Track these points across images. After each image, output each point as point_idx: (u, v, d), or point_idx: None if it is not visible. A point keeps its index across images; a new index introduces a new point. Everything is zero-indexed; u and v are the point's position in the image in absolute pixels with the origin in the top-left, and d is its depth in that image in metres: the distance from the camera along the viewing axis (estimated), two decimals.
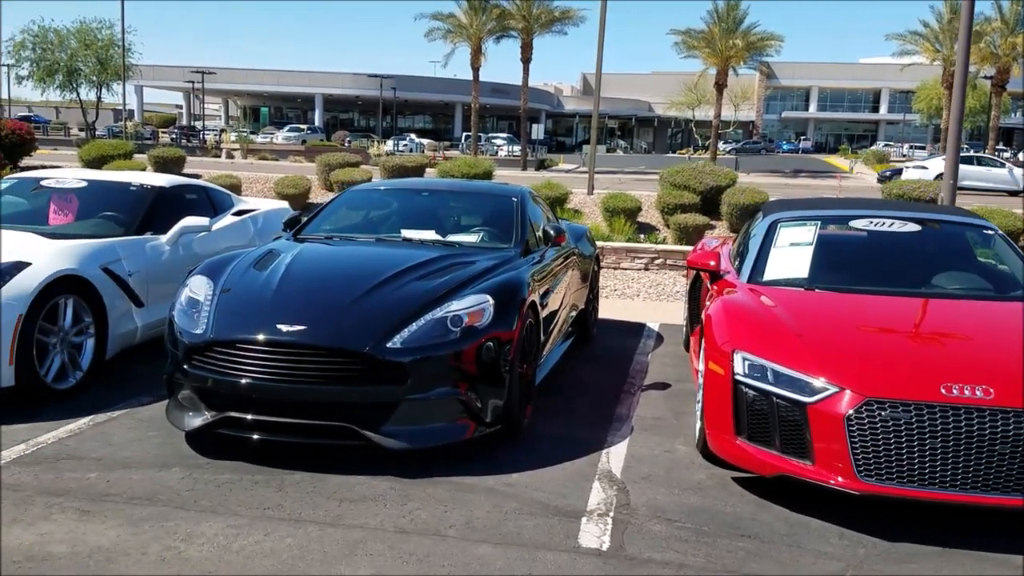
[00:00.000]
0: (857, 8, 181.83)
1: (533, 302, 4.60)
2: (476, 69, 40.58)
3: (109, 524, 3.28)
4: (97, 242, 5.30)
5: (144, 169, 20.29)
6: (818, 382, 3.62)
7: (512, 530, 3.38)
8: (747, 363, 3.80)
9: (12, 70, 45.30)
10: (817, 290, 4.56)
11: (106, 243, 5.36)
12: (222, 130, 55.64)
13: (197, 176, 21.33)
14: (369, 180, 19.56)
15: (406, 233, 5.35)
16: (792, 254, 4.82)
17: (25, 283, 4.58)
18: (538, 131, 42.12)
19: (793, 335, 3.91)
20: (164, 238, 5.87)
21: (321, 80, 63.05)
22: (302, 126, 57.84)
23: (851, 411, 3.52)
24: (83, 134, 45.26)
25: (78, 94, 45.41)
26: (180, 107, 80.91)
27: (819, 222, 5.06)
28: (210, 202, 6.80)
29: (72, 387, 4.90)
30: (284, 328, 3.93)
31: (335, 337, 3.91)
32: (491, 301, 4.21)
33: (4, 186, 6.23)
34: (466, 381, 4.06)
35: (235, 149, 43.24)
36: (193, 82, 53.58)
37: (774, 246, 4.91)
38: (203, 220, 6.03)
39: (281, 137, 51.88)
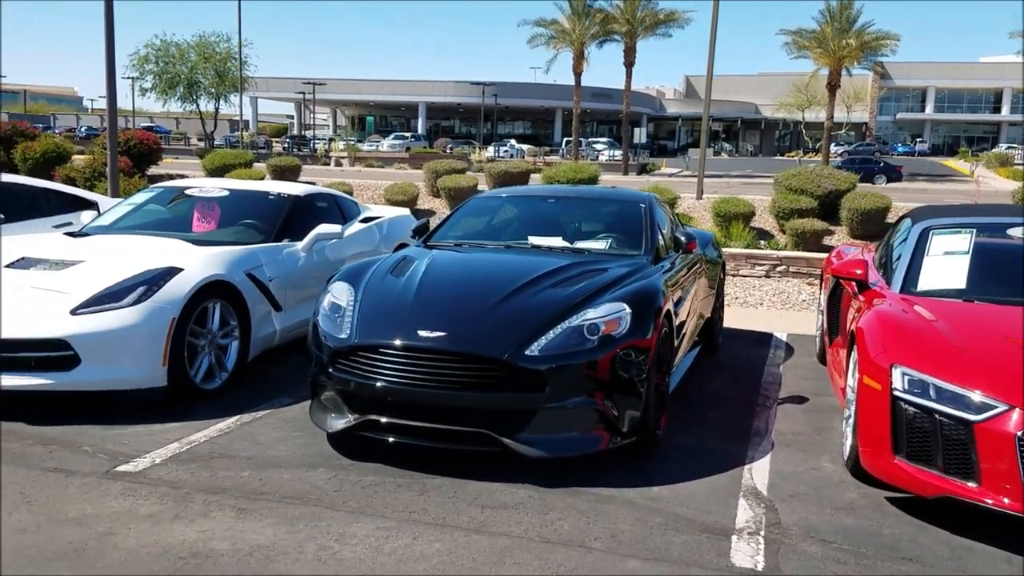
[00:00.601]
0: (977, 7, 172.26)
1: (668, 311, 4.51)
2: (578, 74, 40.50)
3: (265, 522, 3.39)
4: (241, 249, 5.52)
5: (263, 178, 21.17)
6: (986, 399, 3.40)
7: (659, 545, 3.30)
8: (907, 378, 3.60)
9: (137, 82, 48.25)
10: (976, 301, 4.30)
11: (249, 250, 5.57)
12: (331, 139, 57.51)
13: (312, 183, 22.16)
14: (475, 187, 19.81)
15: (534, 240, 5.35)
16: (947, 263, 4.56)
17: (178, 288, 4.81)
18: (640, 135, 41.68)
19: (956, 349, 3.69)
20: (300, 245, 6.07)
21: (424, 89, 64.37)
22: (406, 134, 59.20)
23: (1021, 431, 3.30)
24: (202, 144, 47.66)
25: (197, 105, 47.94)
26: (291, 117, 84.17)
27: (974, 230, 4.77)
28: (339, 210, 7.00)
29: (218, 387, 5.11)
30: (424, 334, 3.98)
31: (474, 344, 3.93)
32: (628, 309, 4.15)
33: (151, 195, 6.59)
34: (602, 390, 4.01)
35: (343, 157, 44.67)
36: (304, 93, 55.62)
37: (927, 254, 4.66)
38: (336, 227, 6.21)
39: (386, 145, 53.22)
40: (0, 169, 20.68)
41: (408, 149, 49.69)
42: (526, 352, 3.88)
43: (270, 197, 6.42)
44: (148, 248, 5.35)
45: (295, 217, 6.29)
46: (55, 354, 4.49)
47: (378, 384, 3.98)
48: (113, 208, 6.49)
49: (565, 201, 6.08)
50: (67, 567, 2.99)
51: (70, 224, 7.45)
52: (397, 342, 4.00)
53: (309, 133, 61.07)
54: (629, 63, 40.04)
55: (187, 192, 6.45)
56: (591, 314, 4.08)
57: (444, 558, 3.14)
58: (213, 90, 46.41)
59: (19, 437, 4.27)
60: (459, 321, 4.06)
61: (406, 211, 8.14)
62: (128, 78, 51.06)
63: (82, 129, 60.51)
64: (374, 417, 4.03)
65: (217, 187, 6.46)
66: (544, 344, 3.92)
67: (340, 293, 4.47)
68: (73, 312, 4.55)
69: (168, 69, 45.46)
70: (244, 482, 3.79)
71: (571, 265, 4.67)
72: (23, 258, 5.14)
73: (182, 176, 22.68)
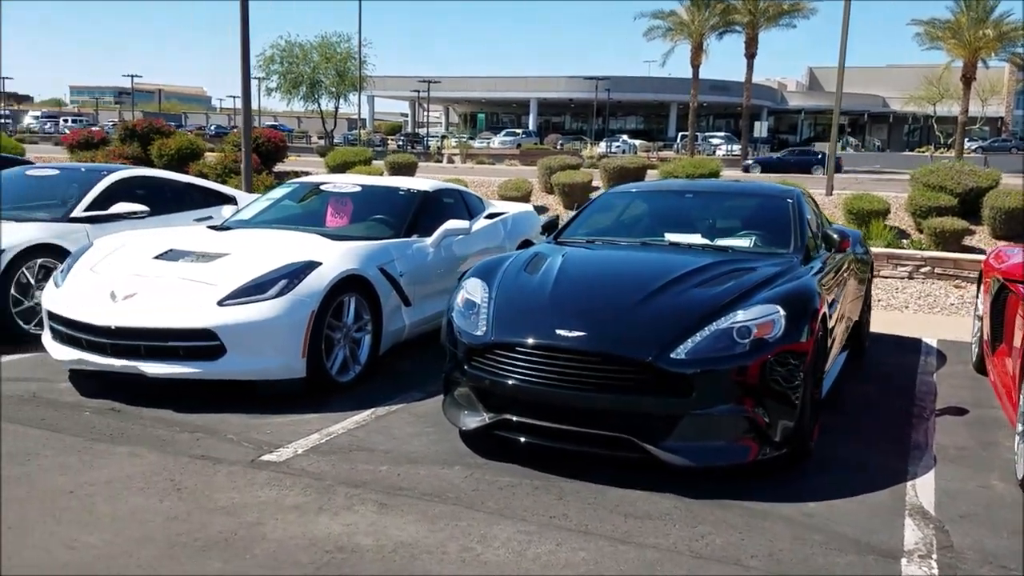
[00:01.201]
0: None
1: (824, 314, 4.22)
2: (696, 67, 39.61)
3: (407, 519, 3.35)
4: (375, 244, 5.57)
5: (381, 174, 21.67)
6: None
7: (822, 565, 3.06)
8: None
9: (263, 83, 50.34)
10: None
11: (381, 245, 5.61)
12: (443, 136, 58.45)
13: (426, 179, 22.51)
14: (589, 183, 19.58)
15: (671, 237, 5.15)
16: None
17: (317, 281, 4.87)
18: (761, 129, 40.33)
19: None
20: (429, 240, 6.07)
21: (536, 85, 64.41)
22: (517, 130, 59.46)
23: None
24: (322, 142, 49.32)
25: (319, 104, 49.64)
26: (405, 115, 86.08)
27: None
28: (465, 205, 6.98)
29: (352, 380, 5.16)
30: (563, 333, 3.85)
31: (616, 345, 3.78)
32: (781, 312, 3.90)
33: (288, 190, 6.75)
34: (753, 397, 3.78)
35: (455, 154, 45.26)
36: (419, 91, 56.67)
37: None
38: (464, 224, 6.18)
39: (497, 142, 53.60)
40: (138, 164, 22.01)
41: (519, 146, 49.85)
42: (672, 355, 3.70)
43: (400, 193, 6.46)
44: (287, 242, 5.46)
45: (424, 212, 6.30)
46: (202, 344, 4.62)
47: (514, 383, 3.88)
48: (252, 203, 6.69)
49: (703, 196, 5.83)
50: (218, 556, 3.03)
51: (211, 218, 7.74)
52: (534, 341, 3.89)
53: (422, 131, 62.27)
54: (750, 54, 38.83)
55: (322, 188, 6.57)
56: (741, 316, 3.86)
57: (590, 567, 3.01)
58: (333, 89, 47.92)
59: (167, 424, 4.41)
60: (599, 320, 3.92)
61: (529, 207, 8.07)
62: (255, 78, 53.40)
63: (211, 127, 63.72)
64: (509, 416, 3.95)
65: (350, 183, 6.55)
66: (691, 347, 3.72)
67: (474, 290, 4.40)
68: (220, 303, 4.67)
69: (292, 69, 47.19)
70: (383, 476, 3.78)
71: (716, 264, 4.45)
72: (171, 250, 5.33)
73: (306, 172, 23.46)
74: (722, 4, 37.91)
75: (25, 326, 6.00)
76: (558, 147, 51.03)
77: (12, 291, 5.91)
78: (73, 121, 68.78)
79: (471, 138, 56.87)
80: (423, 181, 6.99)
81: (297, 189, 6.75)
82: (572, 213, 5.88)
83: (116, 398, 4.77)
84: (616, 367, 3.74)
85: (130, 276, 4.96)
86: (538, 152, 47.38)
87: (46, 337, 5.14)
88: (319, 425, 4.46)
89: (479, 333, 4.07)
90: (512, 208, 7.68)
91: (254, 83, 53.28)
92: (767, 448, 3.83)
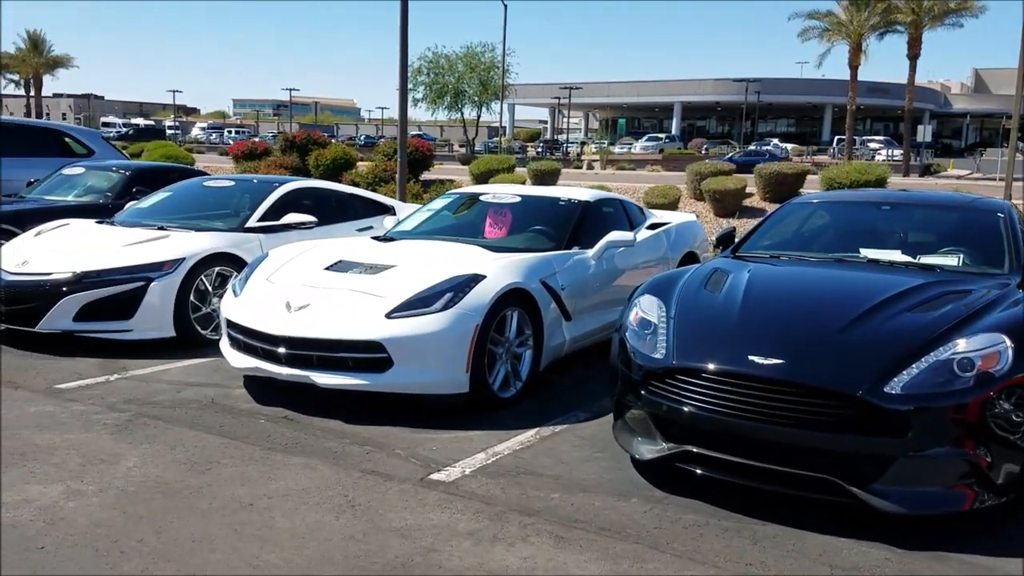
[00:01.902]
0: None
1: None
2: (854, 68, 37.53)
3: (587, 556, 3.14)
4: (537, 256, 5.42)
5: (524, 182, 21.73)
6: None
7: None
8: None
9: (409, 93, 51.90)
10: None
11: (543, 257, 5.45)
12: (582, 142, 58.29)
13: (568, 186, 22.38)
14: (743, 189, 18.83)
15: (868, 253, 4.70)
16: None
17: (481, 295, 4.76)
18: (924, 133, 37.63)
19: None
20: (590, 252, 5.86)
21: (680, 88, 63.10)
22: (660, 135, 58.41)
23: None
24: (463, 150, 50.29)
25: (462, 114, 50.70)
26: (543, 122, 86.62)
27: None
28: (626, 215, 6.73)
29: (513, 396, 5.02)
30: (757, 360, 3.53)
31: (820, 375, 3.42)
32: (1008, 342, 3.42)
33: (447, 201, 6.73)
34: (973, 438, 3.33)
35: (595, 160, 44.97)
36: (559, 98, 56.84)
37: None
38: (628, 235, 5.93)
39: (639, 147, 52.85)
40: (297, 174, 23.08)
41: (661, 151, 48.91)
42: (885, 389, 3.30)
43: (560, 203, 6.29)
44: (450, 254, 5.40)
45: (584, 223, 6.10)
46: (370, 356, 4.61)
47: (697, 412, 3.60)
48: (413, 214, 6.71)
49: (902, 208, 5.32)
50: None
51: (371, 228, 7.86)
52: (722, 367, 3.59)
53: (560, 137, 62.33)
54: (913, 55, 36.35)
55: (480, 198, 6.49)
56: (963, 346, 3.41)
57: None
58: (476, 98, 48.80)
59: (337, 436, 4.41)
60: (798, 347, 3.57)
61: (692, 216, 7.71)
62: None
63: (361, 138, 66.38)
64: (690, 448, 3.66)
65: (509, 193, 6.44)
66: (907, 381, 3.32)
67: (649, 308, 4.15)
68: (388, 316, 4.65)
69: (437, 80, 48.46)
70: (556, 506, 3.59)
71: (926, 285, 3.99)
72: (340, 261, 5.39)
73: (451, 180, 23.91)
74: (884, 3, 35.69)
75: (203, 331, 6.25)
76: (703, 152, 49.74)
77: (191, 298, 6.16)
78: (236, 132, 73.58)
79: (611, 144, 56.39)
80: (582, 191, 6.80)
81: (456, 200, 6.72)
82: (751, 224, 5.51)
83: (289, 406, 4.85)
84: (819, 400, 3.38)
85: (303, 287, 5.03)
86: (682, 157, 46.33)
87: (224, 344, 5.30)
88: (484, 444, 4.33)
89: (658, 356, 3.81)
90: (674, 218, 7.36)
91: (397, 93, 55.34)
92: (986, 495, 3.37)
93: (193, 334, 6.20)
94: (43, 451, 4.05)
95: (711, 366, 3.62)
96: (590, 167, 42.44)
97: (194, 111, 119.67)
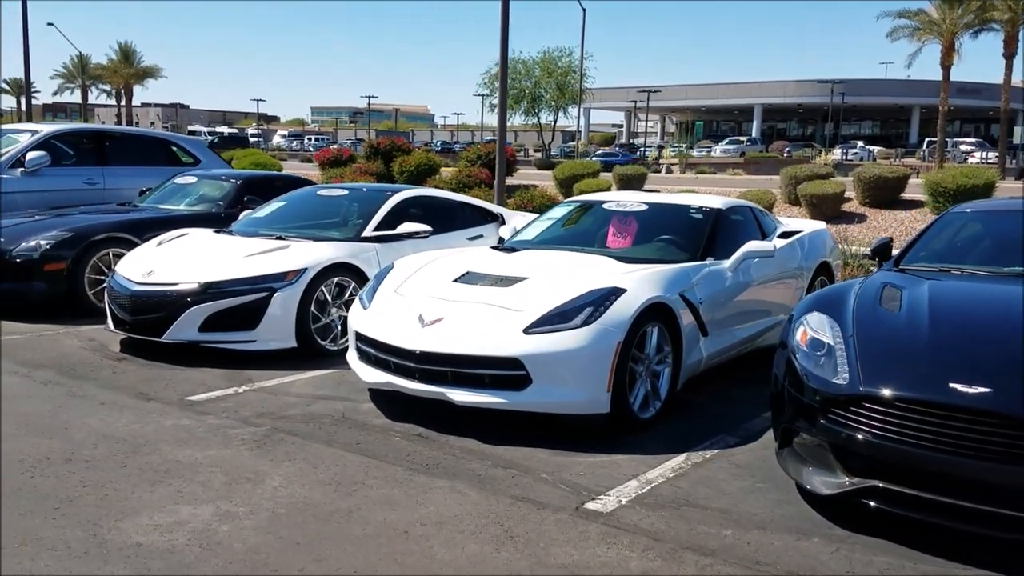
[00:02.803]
0: None
1: None
2: (946, 68, 35.91)
3: None
4: (673, 268, 5.16)
5: (609, 187, 21.41)
6: None
7: None
8: None
9: (486, 99, 52.07)
10: None
11: (680, 269, 5.19)
12: (659, 146, 57.51)
13: (655, 191, 21.94)
14: (841, 194, 18.10)
15: None
16: None
17: (622, 310, 4.52)
18: (1021, 134, 35.80)
19: None
20: (726, 263, 5.56)
21: (760, 90, 61.69)
22: (741, 138, 57.25)
23: None
24: (539, 155, 50.12)
25: (538, 119, 50.56)
26: (616, 126, 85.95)
27: None
28: (757, 223, 6.40)
29: (652, 417, 4.77)
30: (960, 389, 3.20)
31: None
32: None
33: (567, 209, 6.52)
34: None
35: (673, 164, 44.25)
36: (636, 101, 56.22)
37: None
38: (768, 245, 5.63)
39: (719, 150, 51.90)
40: (379, 181, 23.28)
41: (743, 154, 47.89)
42: None
43: (691, 211, 6.01)
44: (581, 265, 5.19)
45: (718, 232, 5.81)
46: (508, 373, 4.42)
47: (886, 443, 3.28)
48: (533, 222, 6.51)
49: None
50: None
51: (481, 236, 7.72)
52: (920, 396, 3.26)
53: (636, 141, 61.64)
54: (1009, 54, 34.55)
55: (604, 206, 6.25)
56: None
57: None
58: (553, 103, 48.60)
59: (477, 457, 4.23)
60: (1004, 374, 3.22)
61: (822, 225, 7.32)
62: (478, 95, 55.44)
63: (437, 143, 67.01)
64: (876, 483, 3.35)
65: (635, 201, 6.19)
66: None
67: (820, 327, 3.84)
68: (526, 331, 4.45)
69: (514, 85, 48.36)
70: (732, 545, 3.31)
71: None
72: (468, 272, 5.22)
73: (534, 186, 23.76)
74: (978, 1, 34.05)
75: (322, 342, 6.19)
76: (785, 155, 48.45)
77: (312, 308, 6.10)
78: (316, 139, 75.19)
79: (689, 147, 55.51)
80: (713, 198, 6.49)
81: (576, 208, 6.49)
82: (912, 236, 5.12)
83: (420, 422, 4.70)
84: None
85: (435, 300, 4.89)
86: (764, 161, 45.22)
87: (352, 357, 5.19)
88: (632, 470, 4.09)
89: (839, 382, 3.50)
90: (804, 226, 6.99)
91: (476, 100, 55.43)
92: None
93: (313, 345, 6.13)
94: (187, 468, 3.98)
95: (905, 394, 3.29)
96: (669, 171, 41.74)
97: (274, 119, 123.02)
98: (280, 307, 5.96)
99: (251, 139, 69.77)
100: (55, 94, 76.92)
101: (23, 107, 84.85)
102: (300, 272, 6.05)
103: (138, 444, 4.28)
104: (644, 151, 53.08)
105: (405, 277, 5.32)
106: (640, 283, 4.76)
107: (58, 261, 7.15)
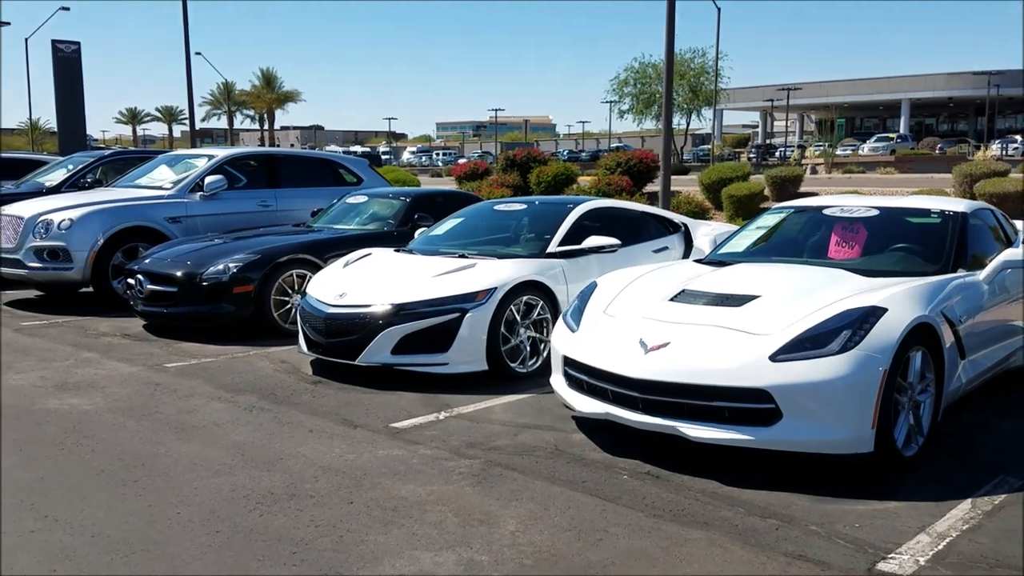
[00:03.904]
0: None
1: None
2: None
3: None
4: (928, 282, 4.52)
5: (762, 190, 20.38)
6: None
7: None
8: None
9: (615, 106, 51.39)
10: None
11: (935, 283, 4.55)
12: (800, 145, 55.03)
13: (812, 194, 20.73)
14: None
15: None
16: None
17: (886, 332, 3.95)
18: None
19: None
20: (981, 275, 4.87)
21: (908, 84, 57.99)
22: (890, 135, 53.94)
23: None
24: (672, 160, 48.87)
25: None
26: (747, 127, 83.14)
27: None
28: (1001, 228, 5.63)
29: (915, 455, 4.16)
30: None
31: None
32: None
33: (780, 216, 5.95)
34: None
35: (818, 164, 42.08)
36: (772, 100, 54.08)
37: None
38: (1020, 253, 4.88)
39: (867, 148, 49.07)
40: (516, 192, 23.13)
41: (893, 152, 45.06)
42: None
43: (932, 215, 5.32)
44: (817, 280, 4.63)
45: (965, 240, 5.11)
46: (753, 406, 3.94)
47: None
48: (741, 232, 5.99)
49: None
50: None
51: (667, 248, 7.26)
52: None
53: (773, 141, 59.23)
54: None
55: (825, 212, 5.65)
56: None
57: None
58: (686, 106, 47.42)
59: (725, 502, 3.76)
60: None
61: None
62: (606, 102, 54.88)
63: (564, 153, 66.77)
64: None
65: (862, 205, 5.55)
66: None
67: None
68: (773, 358, 3.95)
69: (644, 90, 47.59)
70: None
71: None
72: (683, 291, 4.77)
73: (678, 192, 22.99)
74: None
75: (511, 364, 5.89)
76: (938, 151, 45.31)
77: (502, 329, 5.81)
78: (444, 154, 76.73)
79: (831, 146, 52.92)
80: (954, 200, 5.77)
81: (792, 215, 5.91)
82: None
83: (643, 458, 4.28)
84: None
85: (655, 322, 4.46)
86: (915, 158, 42.43)
87: (560, 384, 4.84)
88: (915, 520, 3.52)
89: None
90: None
91: (605, 107, 54.88)
92: None
93: (503, 367, 5.84)
94: (414, 507, 3.72)
95: None
96: (813, 171, 39.74)
97: (402, 136, 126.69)
98: (471, 328, 5.71)
99: (383, 156, 72.03)
100: (203, 120, 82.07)
101: (173, 133, 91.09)
102: (490, 291, 5.78)
103: (358, 477, 4.07)
104: (784, 151, 50.85)
105: (612, 296, 4.92)
106: (900, 301, 4.17)
107: (246, 283, 7.21)
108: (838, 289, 4.42)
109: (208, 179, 9.34)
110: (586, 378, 4.54)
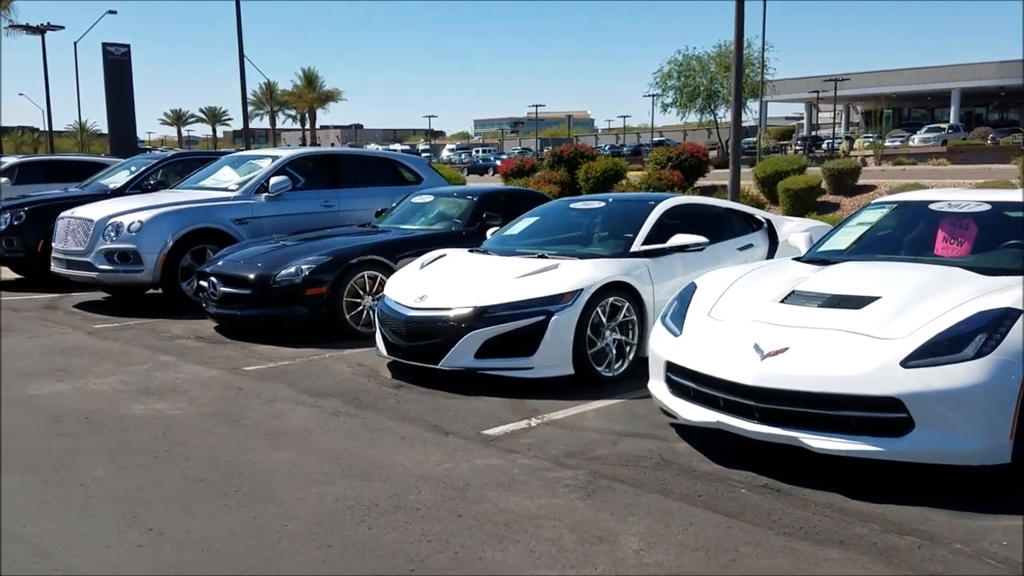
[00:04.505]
0: None
1: None
2: None
3: None
4: None
5: (819, 183, 19.90)
6: None
7: None
8: None
9: (659, 99, 50.71)
10: None
11: None
12: (848, 137, 53.91)
13: (871, 188, 20.17)
14: None
15: None
16: None
17: (1021, 337, 3.69)
18: None
19: None
20: None
21: (959, 73, 56.37)
22: (941, 125, 52.58)
23: None
24: (714, 153, 48.16)
25: (715, 116, 48.71)
26: (792, 118, 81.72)
27: None
28: None
29: None
30: None
31: None
32: None
33: (882, 212, 5.67)
34: None
35: (868, 155, 41.14)
36: (818, 91, 53.01)
37: None
38: None
39: (918, 139, 47.91)
40: (563, 189, 22.89)
41: (944, 143, 43.91)
42: None
43: None
44: (936, 280, 4.38)
45: None
46: (883, 415, 3.71)
47: None
48: (841, 228, 5.71)
49: None
50: None
51: (751, 246, 7.01)
52: None
53: (818, 133, 58.10)
54: None
55: (932, 207, 5.36)
56: None
57: None
58: (731, 98, 46.68)
59: (858, 518, 3.54)
60: None
61: None
62: (649, 95, 54.28)
63: (605, 148, 66.27)
64: None
65: (972, 200, 5.26)
66: None
67: None
68: (904, 364, 3.72)
69: (689, 83, 46.92)
70: None
71: None
72: (793, 292, 4.55)
73: (723, 186, 22.58)
74: None
75: (598, 368, 5.71)
76: (991, 142, 44.02)
77: (588, 332, 5.63)
78: (483, 151, 76.61)
79: (879, 137, 51.83)
80: None
81: (895, 210, 5.63)
82: None
83: (757, 469, 4.08)
84: None
85: (768, 325, 4.25)
86: (967, 149, 41.27)
87: (661, 390, 4.64)
88: None
89: None
90: None
91: (647, 100, 54.34)
92: None
93: (589, 371, 5.67)
94: (526, 521, 3.56)
95: None
96: (863, 163, 38.86)
97: (440, 134, 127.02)
98: (557, 331, 5.53)
99: (423, 155, 72.18)
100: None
101: (216, 134, 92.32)
102: (576, 293, 5.60)
103: (461, 488, 3.92)
104: (832, 143, 49.82)
105: (715, 298, 4.71)
106: None
107: (319, 285, 7.12)
108: (962, 289, 4.17)
109: (273, 180, 9.29)
110: (693, 385, 4.34)
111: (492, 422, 4.96)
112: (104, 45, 29.69)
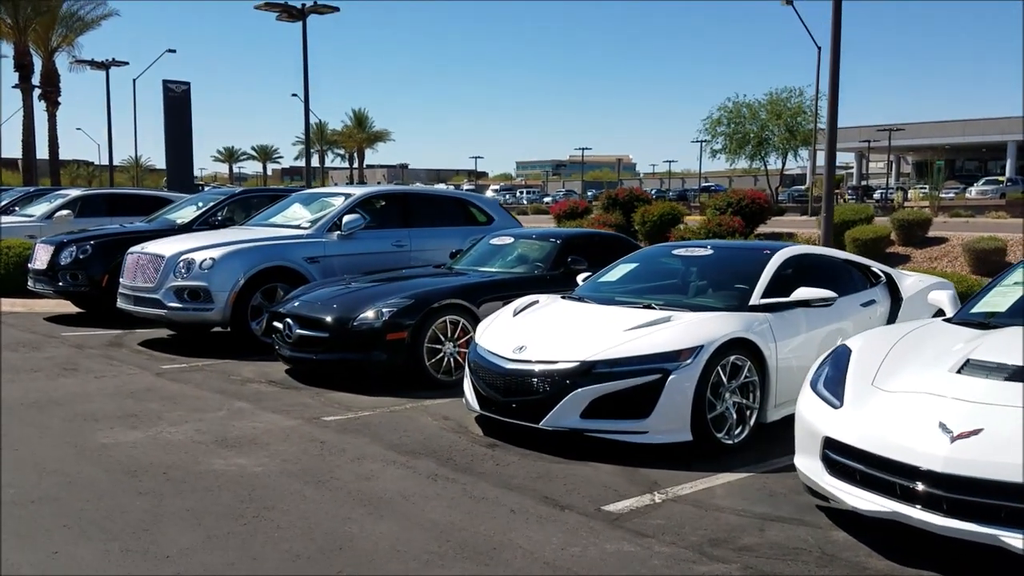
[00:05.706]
0: None
1: None
2: None
3: None
4: None
5: (888, 234, 19.17)
6: None
7: None
8: None
9: (708, 145, 50.33)
10: None
11: None
12: (900, 187, 52.87)
13: (943, 240, 19.37)
14: None
15: None
16: None
17: None
18: None
19: None
20: None
21: (1015, 126, 55.29)
22: (999, 178, 51.44)
23: None
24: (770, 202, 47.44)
25: (765, 164, 48.12)
26: (841, 167, 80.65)
27: None
28: None
29: None
30: None
31: None
32: None
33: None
34: None
35: (923, 207, 40.14)
36: (869, 141, 52.20)
37: None
38: None
39: (975, 191, 46.83)
40: (619, 232, 22.43)
41: (1003, 195, 42.73)
42: None
43: None
44: None
45: None
46: None
47: None
48: (993, 287, 5.12)
49: None
50: None
51: (874, 302, 6.43)
52: None
53: (870, 183, 57.09)
54: None
55: None
56: None
57: None
58: (782, 146, 46.11)
59: None
60: None
61: None
62: (698, 141, 53.96)
63: (652, 192, 65.89)
64: None
65: None
66: None
67: None
68: None
69: (739, 129, 46.52)
70: None
71: None
72: (968, 361, 3.97)
73: (790, 234, 21.91)
74: None
75: (717, 434, 5.14)
76: None
77: (708, 394, 5.07)
78: (527, 192, 76.67)
79: (933, 188, 50.77)
80: None
81: None
82: None
83: (931, 565, 3.47)
84: None
85: (951, 401, 3.67)
86: None
87: (814, 469, 4.04)
88: None
89: None
90: None
91: (695, 146, 54.04)
92: None
93: (709, 438, 5.10)
94: None
95: None
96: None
97: (483, 174, 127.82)
98: (675, 392, 4.99)
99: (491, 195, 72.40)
100: (296, 159, 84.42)
101: (266, 171, 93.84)
102: (696, 350, 5.06)
103: None
104: (887, 193, 48.81)
105: (876, 365, 4.15)
106: None
107: (400, 330, 6.68)
108: None
109: (346, 218, 8.95)
110: (862, 467, 3.75)
111: (610, 495, 4.42)
112: (165, 82, 30.10)
